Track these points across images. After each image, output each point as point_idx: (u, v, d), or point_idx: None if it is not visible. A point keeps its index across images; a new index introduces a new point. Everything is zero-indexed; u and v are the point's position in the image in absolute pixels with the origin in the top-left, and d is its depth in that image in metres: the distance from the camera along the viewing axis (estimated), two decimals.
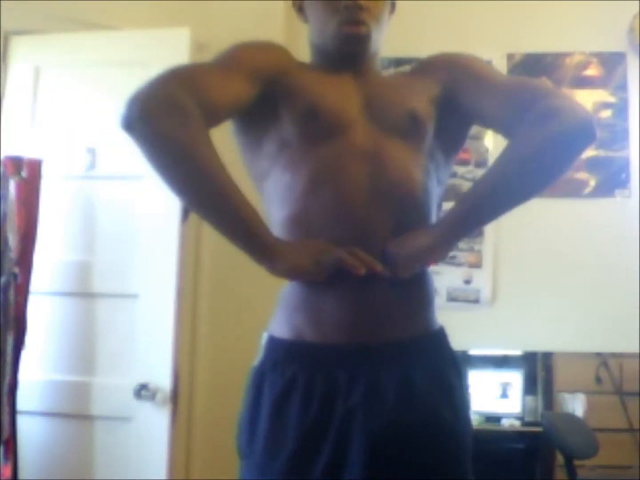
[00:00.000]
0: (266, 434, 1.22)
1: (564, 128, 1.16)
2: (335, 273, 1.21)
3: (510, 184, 1.21)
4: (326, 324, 1.24)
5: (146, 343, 2.21)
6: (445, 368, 1.29)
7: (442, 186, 1.37)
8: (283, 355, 1.26)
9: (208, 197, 1.18)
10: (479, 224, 1.33)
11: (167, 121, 1.14)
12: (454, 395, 1.28)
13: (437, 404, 1.24)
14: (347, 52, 1.34)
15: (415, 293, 1.29)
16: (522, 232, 2.83)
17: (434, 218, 1.31)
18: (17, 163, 2.22)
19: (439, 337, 1.32)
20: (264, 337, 1.30)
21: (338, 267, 1.20)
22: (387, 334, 1.24)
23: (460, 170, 2.86)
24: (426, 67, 1.40)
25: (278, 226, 1.28)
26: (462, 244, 2.83)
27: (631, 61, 2.86)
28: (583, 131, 1.18)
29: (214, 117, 1.22)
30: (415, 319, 1.28)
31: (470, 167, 2.86)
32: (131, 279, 2.26)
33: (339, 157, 1.25)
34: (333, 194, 1.24)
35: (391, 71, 2.52)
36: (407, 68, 1.45)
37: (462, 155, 2.86)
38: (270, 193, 1.30)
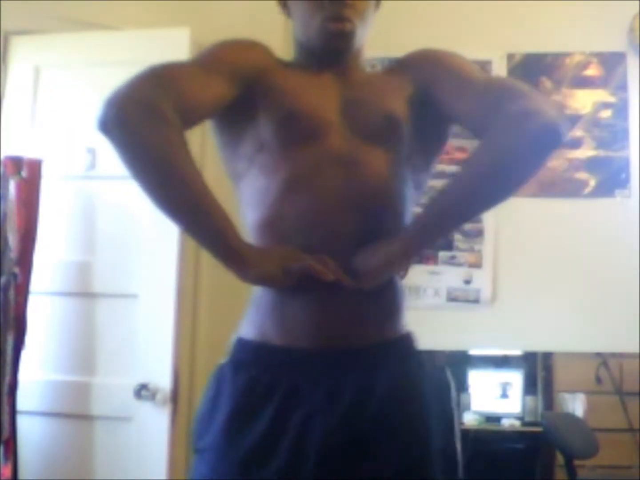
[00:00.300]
0: (222, 431, 1.22)
1: (529, 134, 1.14)
2: (304, 280, 1.20)
3: (474, 191, 1.19)
4: (292, 328, 1.24)
5: (146, 343, 2.21)
6: (409, 373, 1.28)
7: (421, 189, 1.37)
8: (248, 356, 1.27)
9: (180, 203, 1.18)
10: (444, 233, 1.32)
11: (143, 125, 1.14)
12: (418, 399, 1.27)
13: (398, 409, 1.23)
14: (331, 48, 1.33)
15: (383, 300, 1.28)
16: (522, 232, 2.83)
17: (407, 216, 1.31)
18: (17, 163, 2.22)
19: (405, 343, 1.32)
20: (233, 338, 1.31)
21: (306, 274, 1.20)
22: (352, 339, 1.24)
23: None
24: (403, 65, 1.38)
25: (251, 229, 1.28)
26: (462, 244, 2.83)
27: (631, 61, 2.85)
28: (548, 137, 1.15)
29: (191, 119, 1.21)
30: (382, 325, 1.28)
31: None
32: (131, 279, 2.26)
33: (315, 163, 1.25)
34: (306, 200, 1.23)
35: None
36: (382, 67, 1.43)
37: (462, 155, 2.86)
38: (246, 195, 1.30)
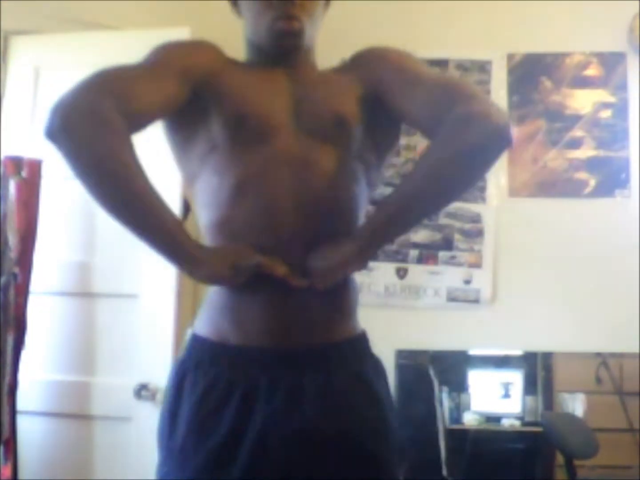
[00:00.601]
0: (186, 433, 1.23)
1: (476, 137, 1.15)
2: (255, 277, 1.21)
3: (425, 193, 1.20)
4: (249, 327, 1.25)
5: (146, 343, 2.21)
6: (366, 372, 1.29)
7: (374, 188, 1.37)
8: (206, 356, 1.27)
9: (127, 207, 1.18)
10: (398, 233, 1.32)
11: (88, 132, 1.14)
12: (376, 398, 1.28)
13: (358, 408, 1.25)
14: (281, 47, 1.34)
15: (338, 299, 1.29)
16: (522, 232, 2.83)
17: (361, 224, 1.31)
18: (17, 163, 2.22)
19: (361, 343, 1.33)
20: (188, 334, 1.32)
21: (256, 271, 1.21)
22: (308, 339, 1.25)
23: None
24: (353, 64, 1.39)
25: (205, 229, 1.29)
26: (462, 244, 2.83)
27: (631, 61, 2.86)
28: (495, 139, 1.17)
29: (139, 122, 1.21)
30: (338, 324, 1.29)
31: None
32: (131, 279, 2.26)
33: (265, 163, 1.25)
34: (257, 201, 1.24)
35: None
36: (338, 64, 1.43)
37: None
38: (199, 196, 1.31)
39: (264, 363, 1.24)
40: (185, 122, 1.31)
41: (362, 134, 1.31)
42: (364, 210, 1.33)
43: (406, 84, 1.29)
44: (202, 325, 1.30)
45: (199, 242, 1.25)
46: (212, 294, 1.30)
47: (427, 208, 1.25)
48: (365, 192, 1.33)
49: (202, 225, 1.30)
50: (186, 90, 1.26)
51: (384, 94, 1.30)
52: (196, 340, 1.30)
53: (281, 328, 1.24)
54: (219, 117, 1.27)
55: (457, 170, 1.18)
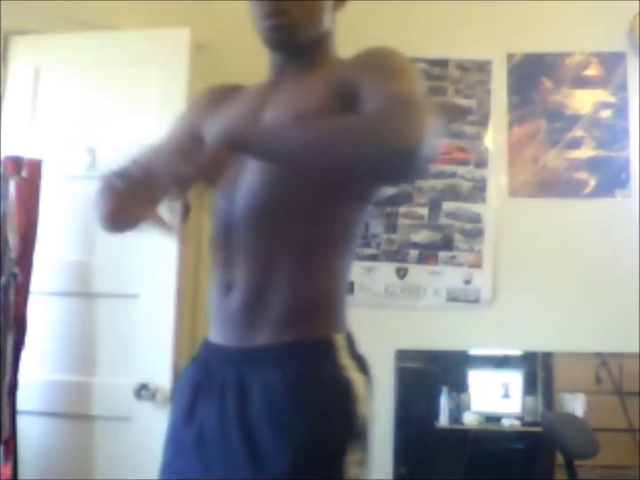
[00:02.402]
0: (168, 426, 1.35)
1: (377, 146, 1.05)
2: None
3: (315, 146, 1.11)
4: (213, 326, 1.35)
5: (146, 343, 2.21)
6: (302, 379, 1.20)
7: (349, 192, 1.29)
8: (197, 353, 1.38)
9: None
10: (269, 151, 1.18)
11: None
12: (304, 404, 1.18)
13: (277, 412, 1.18)
14: (273, 44, 1.34)
15: (289, 300, 1.24)
16: (522, 232, 2.83)
17: (319, 225, 1.26)
18: (17, 163, 2.22)
19: (312, 347, 1.24)
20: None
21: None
22: (245, 339, 1.27)
23: (460, 170, 2.85)
24: (352, 61, 1.30)
25: None
26: (462, 244, 2.83)
27: (631, 61, 2.85)
28: (387, 161, 1.05)
29: None
30: (285, 325, 1.23)
31: (471, 167, 2.86)
32: (131, 279, 2.26)
33: (230, 177, 1.22)
34: (216, 216, 1.35)
35: None
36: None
37: (462, 155, 2.86)
38: None
39: (215, 360, 1.30)
40: None
41: None
42: (325, 214, 1.26)
43: (370, 90, 1.20)
44: None
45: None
46: None
47: (303, 157, 1.13)
48: (328, 196, 1.25)
49: None
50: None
51: (357, 96, 1.22)
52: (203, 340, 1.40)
53: (227, 327, 1.30)
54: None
55: (348, 154, 1.08)
